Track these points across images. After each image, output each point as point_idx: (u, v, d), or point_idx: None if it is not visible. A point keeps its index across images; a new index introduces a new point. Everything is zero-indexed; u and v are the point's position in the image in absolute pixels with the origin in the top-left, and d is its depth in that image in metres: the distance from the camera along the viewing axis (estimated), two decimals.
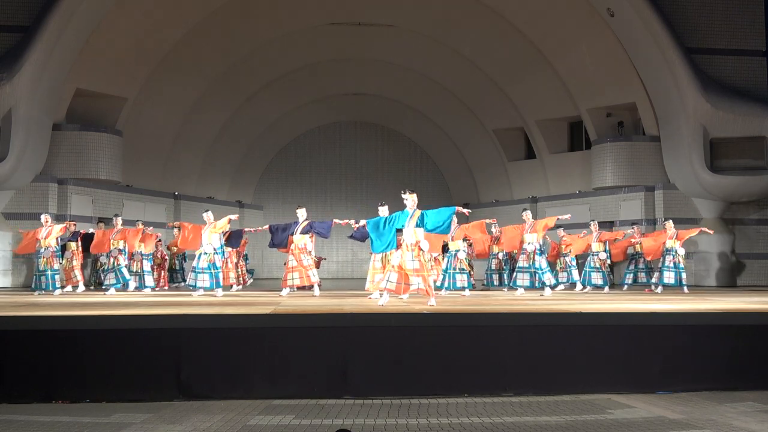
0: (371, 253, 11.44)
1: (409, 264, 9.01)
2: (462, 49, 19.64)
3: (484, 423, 5.50)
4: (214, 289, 11.70)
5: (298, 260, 12.05)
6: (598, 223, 15.49)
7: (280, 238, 12.43)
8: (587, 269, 14.37)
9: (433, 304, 8.86)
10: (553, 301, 10.19)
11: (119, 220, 13.54)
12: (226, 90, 20.26)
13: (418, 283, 9.01)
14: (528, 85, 19.77)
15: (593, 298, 11.21)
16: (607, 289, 14.13)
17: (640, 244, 14.53)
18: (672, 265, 13.45)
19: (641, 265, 14.89)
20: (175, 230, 16.18)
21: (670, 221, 14.13)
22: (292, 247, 12.14)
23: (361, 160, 23.95)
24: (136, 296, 11.84)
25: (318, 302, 9.73)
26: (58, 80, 15.89)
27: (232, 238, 13.89)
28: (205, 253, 11.74)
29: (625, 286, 15.01)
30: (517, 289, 12.43)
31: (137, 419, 5.67)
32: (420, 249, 9.08)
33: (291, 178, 23.80)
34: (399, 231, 9.49)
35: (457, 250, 12.66)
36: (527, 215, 12.70)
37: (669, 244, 13.57)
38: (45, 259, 12.44)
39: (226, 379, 6.61)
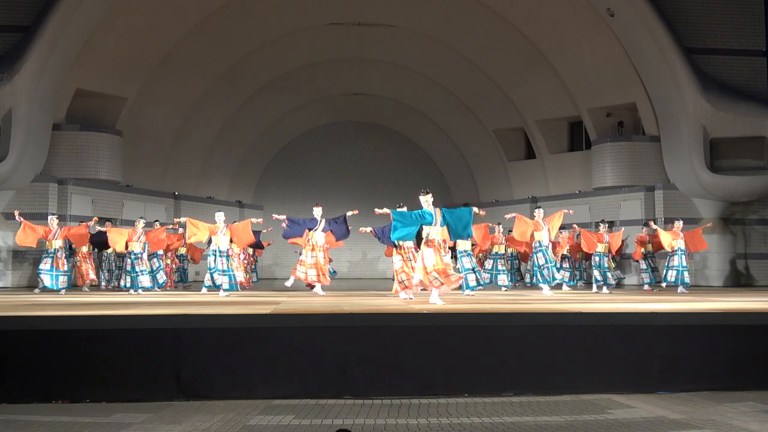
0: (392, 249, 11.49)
1: (439, 263, 9.26)
2: (462, 49, 19.64)
3: (484, 423, 5.50)
4: (230, 291, 11.83)
5: (315, 257, 12.24)
6: (595, 223, 15.43)
7: (296, 230, 12.63)
8: (603, 270, 14.27)
9: (434, 302, 8.98)
10: (553, 301, 10.19)
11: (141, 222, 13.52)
12: (226, 90, 20.26)
13: (436, 278, 9.16)
14: (528, 85, 19.77)
15: (593, 298, 11.21)
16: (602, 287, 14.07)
17: (651, 243, 14.59)
18: (680, 264, 13.50)
19: (644, 266, 14.82)
20: (180, 229, 16.18)
21: (681, 222, 14.12)
22: (312, 242, 12.36)
23: (361, 160, 23.95)
24: (136, 296, 11.84)
25: (318, 302, 9.73)
26: (58, 80, 15.90)
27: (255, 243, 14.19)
28: (218, 256, 11.86)
29: (646, 286, 14.89)
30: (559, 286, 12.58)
31: (137, 419, 5.67)
32: (446, 246, 9.38)
33: (291, 178, 23.80)
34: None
35: (467, 250, 12.78)
36: (540, 213, 12.72)
37: (678, 243, 13.60)
38: (56, 260, 12.57)
39: (226, 379, 6.60)
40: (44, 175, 16.16)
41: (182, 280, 16.11)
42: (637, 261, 15.33)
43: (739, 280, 17.11)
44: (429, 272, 9.28)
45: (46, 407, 6.20)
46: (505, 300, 10.70)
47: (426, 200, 9.49)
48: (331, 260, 15.18)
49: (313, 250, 12.41)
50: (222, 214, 12.31)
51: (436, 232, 9.37)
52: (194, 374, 6.57)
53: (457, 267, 12.68)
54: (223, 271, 11.77)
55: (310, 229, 12.47)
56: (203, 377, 6.58)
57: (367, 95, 22.51)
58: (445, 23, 18.89)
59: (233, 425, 5.47)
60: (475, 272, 12.62)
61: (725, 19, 17.51)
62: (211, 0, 17.48)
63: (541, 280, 12.45)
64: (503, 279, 14.56)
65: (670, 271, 13.70)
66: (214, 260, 11.82)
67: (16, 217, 13.19)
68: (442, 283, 9.21)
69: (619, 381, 6.82)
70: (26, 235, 12.96)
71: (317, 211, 12.62)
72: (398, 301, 10.21)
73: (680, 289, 13.47)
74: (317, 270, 12.30)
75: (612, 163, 18.17)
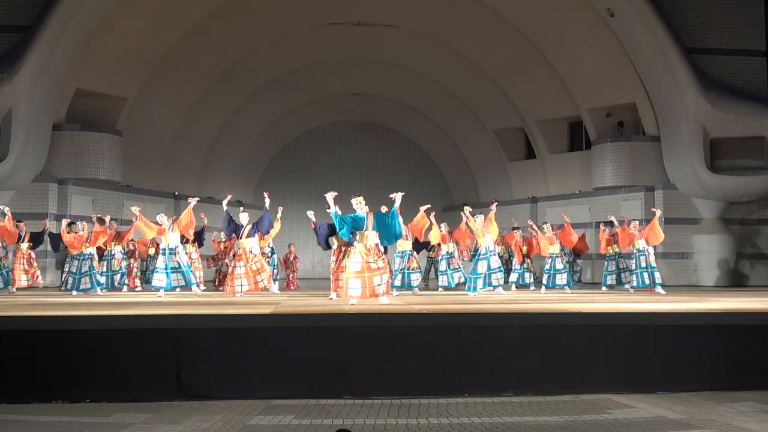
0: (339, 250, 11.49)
1: (373, 264, 9.24)
2: (462, 49, 19.64)
3: (484, 423, 5.50)
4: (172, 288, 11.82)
5: (245, 265, 11.76)
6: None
7: (229, 229, 12.32)
8: (551, 271, 14.10)
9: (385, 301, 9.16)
10: (553, 301, 10.19)
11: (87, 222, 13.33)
12: (226, 90, 20.25)
13: (382, 281, 9.20)
14: (528, 85, 19.76)
15: (593, 299, 11.21)
16: (567, 288, 13.92)
17: (618, 243, 14.38)
18: (646, 265, 13.11)
19: (622, 266, 14.71)
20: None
21: (636, 221, 13.83)
22: (240, 252, 11.91)
23: (360, 160, 23.94)
24: (136, 296, 11.84)
25: (318, 302, 9.74)
26: (58, 80, 15.89)
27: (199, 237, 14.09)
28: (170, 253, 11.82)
29: (604, 288, 14.67)
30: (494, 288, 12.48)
31: (137, 419, 5.67)
32: (379, 250, 9.39)
33: (291, 178, 23.79)
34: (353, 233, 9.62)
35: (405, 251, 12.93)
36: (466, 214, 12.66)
37: (640, 244, 13.11)
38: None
39: (226, 379, 6.61)
40: (44, 175, 16.15)
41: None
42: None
43: (738, 280, 17.11)
44: (348, 278, 9.24)
45: (46, 407, 6.20)
46: (505, 300, 10.70)
47: (358, 202, 9.48)
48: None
49: (240, 258, 11.82)
50: (164, 215, 12.26)
51: (367, 236, 9.35)
52: (194, 374, 6.57)
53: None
54: (174, 268, 11.68)
55: (237, 236, 12.06)
56: (203, 377, 6.59)
57: (367, 95, 22.49)
58: (445, 23, 18.88)
59: (233, 425, 5.47)
60: (402, 273, 12.79)
61: (725, 19, 17.48)
62: (211, 0, 17.48)
63: (473, 287, 12.27)
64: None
65: (644, 274, 13.15)
66: (164, 260, 11.74)
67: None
68: (356, 297, 9.18)
69: (619, 381, 6.83)
70: None
71: (243, 216, 12.17)
72: (398, 301, 10.21)
73: (658, 289, 12.93)
74: (248, 279, 11.71)
75: (612, 163, 18.15)
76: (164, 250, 11.82)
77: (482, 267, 12.23)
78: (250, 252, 11.89)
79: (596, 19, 16.98)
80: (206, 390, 6.53)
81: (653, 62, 16.74)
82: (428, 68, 20.81)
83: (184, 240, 13.30)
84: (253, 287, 11.77)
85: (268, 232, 12.81)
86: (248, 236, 12.01)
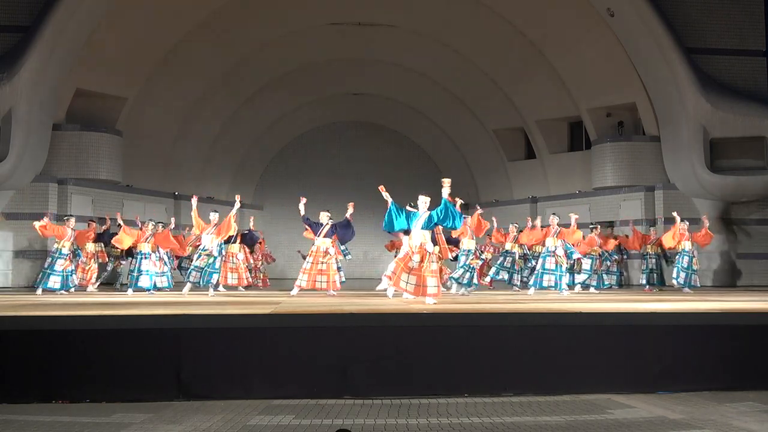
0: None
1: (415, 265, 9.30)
2: (462, 49, 19.64)
3: (484, 423, 5.50)
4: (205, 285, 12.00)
5: (313, 263, 12.18)
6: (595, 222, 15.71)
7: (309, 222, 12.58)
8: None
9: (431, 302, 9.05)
10: (553, 301, 10.19)
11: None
12: (226, 90, 20.25)
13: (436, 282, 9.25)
14: (528, 85, 19.77)
15: (593, 298, 11.21)
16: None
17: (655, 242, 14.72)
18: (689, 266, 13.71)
19: (657, 265, 14.85)
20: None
21: (687, 222, 14.17)
22: (313, 250, 12.29)
23: (361, 160, 23.92)
24: (136, 296, 11.84)
25: (318, 302, 9.74)
26: (58, 80, 15.89)
27: (246, 239, 14.28)
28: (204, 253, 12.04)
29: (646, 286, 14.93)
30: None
31: (137, 419, 5.67)
32: (425, 251, 9.35)
33: (291, 178, 23.77)
34: (405, 232, 9.69)
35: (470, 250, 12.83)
36: (554, 219, 12.93)
37: (687, 245, 13.78)
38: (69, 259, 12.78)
39: (226, 379, 6.60)
40: (44, 175, 16.16)
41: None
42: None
43: (738, 281, 17.11)
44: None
45: (46, 407, 6.20)
46: (505, 300, 10.71)
47: (424, 202, 9.58)
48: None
49: (312, 255, 12.29)
50: (217, 214, 12.45)
51: (415, 235, 9.55)
52: (194, 374, 6.57)
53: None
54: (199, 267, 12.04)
55: (315, 234, 12.37)
56: (203, 377, 6.58)
57: (367, 95, 22.49)
58: (446, 23, 18.88)
59: (233, 425, 5.47)
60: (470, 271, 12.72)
61: (725, 19, 17.50)
62: (211, 0, 17.48)
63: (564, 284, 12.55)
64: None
65: (682, 273, 13.76)
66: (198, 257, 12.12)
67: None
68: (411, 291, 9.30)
69: (619, 381, 6.82)
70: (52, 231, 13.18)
71: (324, 216, 12.43)
72: (397, 301, 10.21)
73: (685, 290, 13.48)
74: (327, 276, 12.19)
75: (612, 163, 18.16)
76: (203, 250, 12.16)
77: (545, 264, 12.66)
78: (326, 252, 12.15)
79: (596, 19, 16.99)
80: (206, 390, 6.52)
81: (653, 62, 16.75)
82: (428, 68, 20.81)
83: (232, 240, 13.80)
84: (311, 285, 12.11)
85: (346, 241, 13.01)
86: (325, 236, 12.24)
